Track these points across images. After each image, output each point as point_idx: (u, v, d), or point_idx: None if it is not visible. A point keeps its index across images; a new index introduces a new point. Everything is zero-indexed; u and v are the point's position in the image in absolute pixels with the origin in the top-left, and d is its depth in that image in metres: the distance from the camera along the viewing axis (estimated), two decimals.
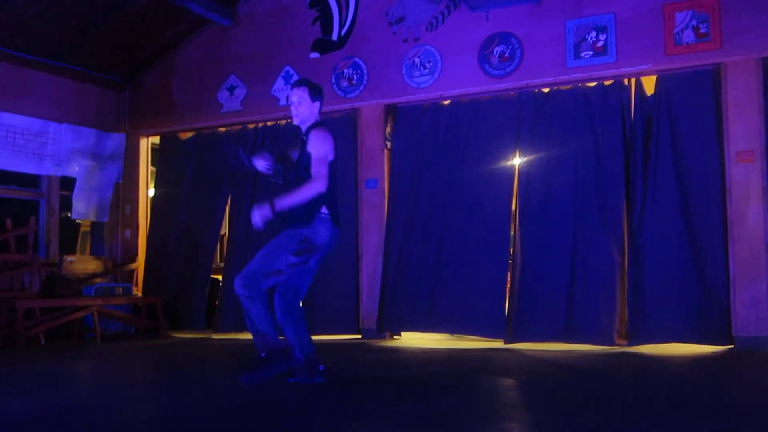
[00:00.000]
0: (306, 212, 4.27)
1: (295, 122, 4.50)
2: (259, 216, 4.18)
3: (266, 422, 3.60)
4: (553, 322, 6.73)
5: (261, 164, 4.48)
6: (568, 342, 6.75)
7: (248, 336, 7.98)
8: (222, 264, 8.98)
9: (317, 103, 4.45)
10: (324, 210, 4.31)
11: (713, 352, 6.12)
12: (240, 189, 8.47)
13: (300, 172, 4.35)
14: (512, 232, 7.23)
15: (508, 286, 7.13)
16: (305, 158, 4.33)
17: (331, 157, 4.32)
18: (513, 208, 7.24)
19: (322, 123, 4.48)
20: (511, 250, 7.17)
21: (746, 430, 3.37)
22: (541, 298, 6.81)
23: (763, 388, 4.62)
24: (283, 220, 4.31)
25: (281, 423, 3.56)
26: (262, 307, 4.19)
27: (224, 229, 9.06)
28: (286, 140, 8.30)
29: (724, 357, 5.89)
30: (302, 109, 4.41)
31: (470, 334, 7.33)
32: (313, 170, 4.25)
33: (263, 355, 4.19)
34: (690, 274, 6.46)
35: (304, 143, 4.39)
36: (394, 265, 7.48)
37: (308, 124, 4.46)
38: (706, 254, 6.44)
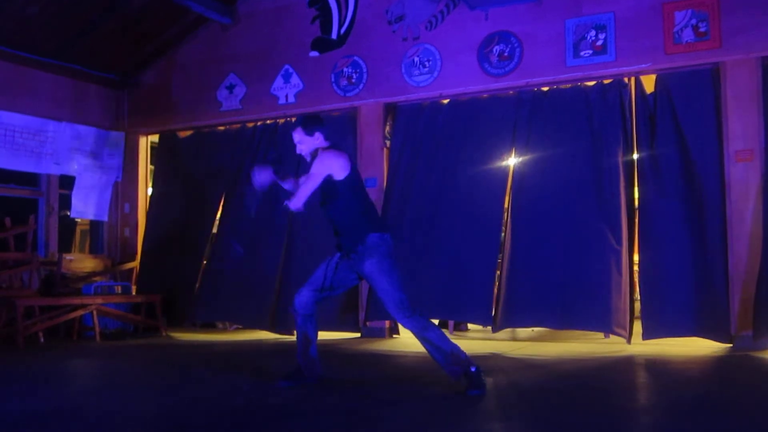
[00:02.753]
0: (359, 228, 4.37)
1: (308, 160, 4.54)
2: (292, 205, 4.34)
3: (265, 422, 3.60)
4: (544, 309, 6.78)
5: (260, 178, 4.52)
6: (559, 328, 6.93)
7: (249, 335, 8.03)
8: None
9: (317, 134, 4.47)
10: (366, 227, 4.37)
11: (711, 353, 6.11)
12: (233, 187, 8.50)
13: (321, 195, 4.44)
14: (503, 230, 7.24)
15: (498, 274, 7.17)
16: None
17: (338, 176, 4.35)
18: (506, 204, 7.28)
19: (330, 146, 4.49)
20: (503, 239, 7.20)
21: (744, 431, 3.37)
22: (532, 287, 6.84)
23: (759, 388, 4.62)
24: (344, 249, 4.43)
25: (280, 423, 3.56)
26: (436, 327, 4.32)
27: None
28: (285, 138, 8.30)
29: (722, 357, 5.89)
30: (305, 147, 4.51)
31: (456, 319, 7.54)
32: (300, 187, 4.38)
33: (473, 369, 4.17)
34: (692, 272, 6.46)
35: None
36: None
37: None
38: (707, 253, 6.44)
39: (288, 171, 4.79)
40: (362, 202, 4.48)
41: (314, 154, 4.46)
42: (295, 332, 7.75)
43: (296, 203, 4.33)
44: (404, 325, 4.30)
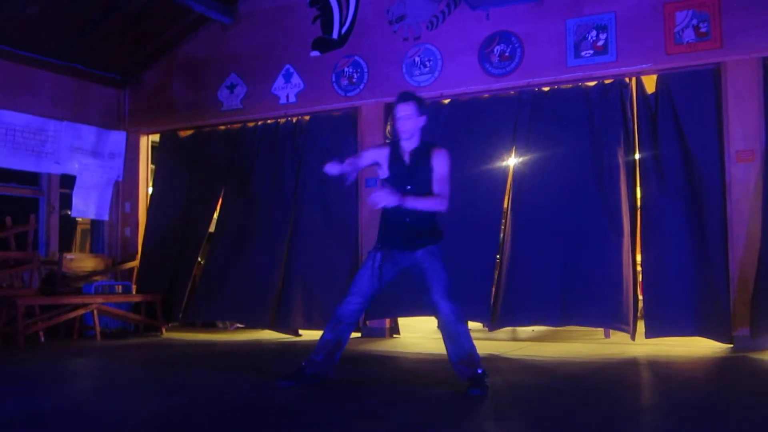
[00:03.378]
0: (436, 229, 4.47)
1: (404, 137, 4.48)
2: (384, 198, 4.24)
3: (265, 422, 3.60)
4: (544, 308, 6.78)
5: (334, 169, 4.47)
6: (559, 325, 6.92)
7: (249, 335, 8.02)
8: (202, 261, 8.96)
9: (423, 118, 4.48)
10: (439, 231, 4.50)
11: (712, 353, 6.11)
12: (233, 186, 8.50)
13: (420, 184, 4.40)
14: (502, 229, 7.24)
15: (497, 273, 7.18)
16: (425, 172, 4.39)
17: None
18: (506, 204, 7.28)
19: (439, 144, 4.58)
20: (502, 239, 7.20)
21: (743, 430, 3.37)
22: (531, 286, 6.84)
23: (759, 389, 4.62)
24: (415, 236, 4.40)
25: (280, 423, 3.55)
26: (466, 324, 4.42)
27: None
28: (286, 139, 8.31)
29: (722, 357, 5.88)
30: (410, 123, 4.43)
31: None
32: (441, 189, 4.37)
33: (480, 371, 4.25)
34: (693, 271, 6.46)
35: (422, 157, 4.41)
36: None
37: (417, 138, 4.47)
38: (708, 252, 6.44)
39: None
40: None
41: (429, 149, 4.42)
42: (291, 331, 7.82)
43: (442, 205, 4.36)
44: (445, 310, 4.26)
